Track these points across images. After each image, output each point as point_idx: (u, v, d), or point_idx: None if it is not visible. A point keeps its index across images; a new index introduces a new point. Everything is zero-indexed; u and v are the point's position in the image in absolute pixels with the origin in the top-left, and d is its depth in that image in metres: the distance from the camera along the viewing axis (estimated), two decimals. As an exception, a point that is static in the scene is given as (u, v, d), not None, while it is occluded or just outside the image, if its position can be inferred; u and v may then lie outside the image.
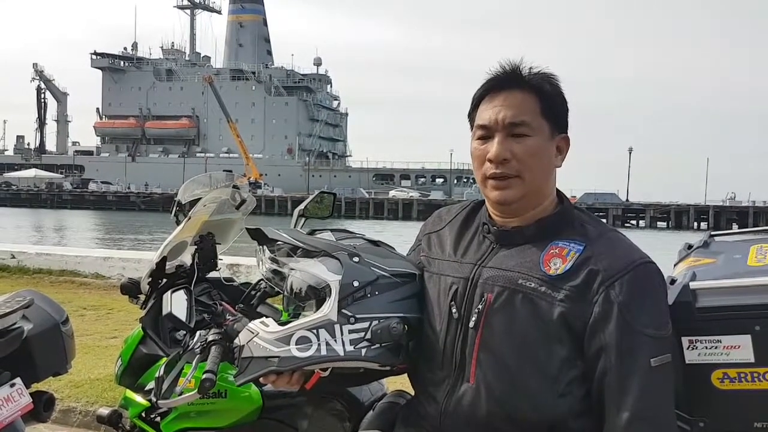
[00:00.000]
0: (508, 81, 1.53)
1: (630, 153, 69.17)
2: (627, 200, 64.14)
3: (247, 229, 1.71)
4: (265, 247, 1.62)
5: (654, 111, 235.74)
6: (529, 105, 1.50)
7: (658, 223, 58.48)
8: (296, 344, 1.47)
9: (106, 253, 10.42)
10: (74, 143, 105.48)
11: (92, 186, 76.99)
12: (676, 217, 57.73)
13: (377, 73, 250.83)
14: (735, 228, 1.93)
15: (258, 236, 1.63)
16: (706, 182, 71.78)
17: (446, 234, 1.67)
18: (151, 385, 2.01)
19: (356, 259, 1.53)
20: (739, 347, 1.47)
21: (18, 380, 2.48)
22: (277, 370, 1.49)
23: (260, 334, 1.52)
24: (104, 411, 2.31)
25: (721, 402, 1.51)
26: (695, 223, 56.03)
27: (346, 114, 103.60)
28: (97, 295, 7.79)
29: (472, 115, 1.58)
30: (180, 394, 1.81)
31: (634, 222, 59.61)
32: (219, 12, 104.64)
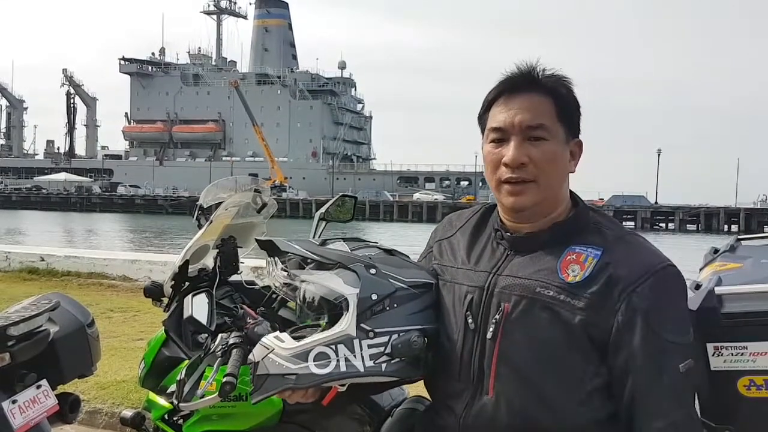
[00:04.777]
0: (523, 83, 1.49)
1: (659, 154, 68.29)
2: (656, 203, 63.21)
3: (257, 240, 1.67)
4: (276, 258, 1.58)
5: (684, 112, 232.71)
6: (545, 108, 1.47)
7: (688, 226, 57.52)
8: (314, 361, 1.44)
9: (133, 255, 10.56)
10: (103, 147, 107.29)
11: (121, 189, 77.97)
12: (706, 219, 56.78)
13: (402, 75, 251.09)
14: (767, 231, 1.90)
15: (269, 248, 1.58)
16: (737, 184, 70.52)
17: (458, 240, 1.63)
18: (173, 387, 2.02)
19: (373, 270, 1.49)
20: (766, 354, 1.44)
21: (44, 382, 2.52)
22: (294, 387, 1.46)
23: (276, 350, 1.47)
24: (127, 413, 2.33)
25: (747, 410, 1.48)
26: (726, 226, 55.03)
27: (370, 117, 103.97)
28: (125, 297, 7.89)
29: (483, 118, 1.54)
30: (201, 397, 1.81)
31: (663, 225, 58.72)
32: (245, 17, 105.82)
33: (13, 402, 2.39)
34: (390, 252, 1.63)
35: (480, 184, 74.05)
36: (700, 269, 1.72)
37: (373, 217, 59.70)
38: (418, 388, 1.90)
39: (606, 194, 63.24)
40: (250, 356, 1.54)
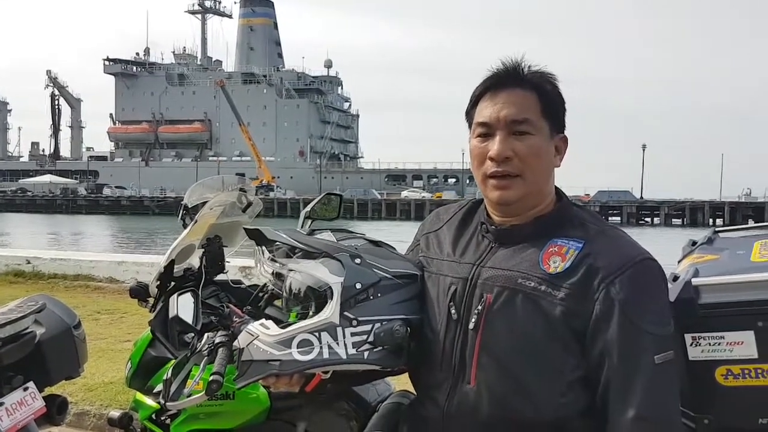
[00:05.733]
0: (508, 79, 1.51)
1: (644, 150, 68.65)
2: (641, 198, 63.59)
3: (245, 229, 1.69)
4: (263, 247, 1.61)
5: (668, 109, 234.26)
6: (530, 103, 1.49)
7: (673, 220, 57.91)
8: (298, 347, 1.46)
9: (119, 257, 10.51)
10: (88, 149, 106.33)
11: (106, 191, 77.40)
12: (691, 213, 57.16)
13: (387, 74, 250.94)
14: (751, 224, 1.93)
15: (256, 237, 1.61)
16: (721, 178, 70.90)
17: (445, 233, 1.65)
18: (160, 387, 2.03)
19: (358, 260, 1.51)
20: (743, 343, 1.47)
21: (31, 384, 2.52)
22: (278, 373, 1.48)
23: (260, 337, 1.50)
24: (115, 413, 2.34)
25: (726, 398, 1.50)
26: (710, 220, 55.38)
27: (357, 115, 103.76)
28: (111, 299, 7.85)
29: (470, 113, 1.56)
30: (188, 396, 1.82)
31: (648, 219, 59.09)
32: (230, 16, 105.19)
33: (0, 404, 2.38)
34: (376, 243, 1.65)
35: (468, 181, 74.23)
36: (679, 261, 1.74)
37: (361, 215, 59.69)
38: (406, 385, 1.93)
39: (592, 190, 63.67)
40: (235, 342, 1.56)
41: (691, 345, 1.51)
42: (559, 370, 1.40)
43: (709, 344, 1.50)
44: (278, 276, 1.58)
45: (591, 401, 1.41)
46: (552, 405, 1.40)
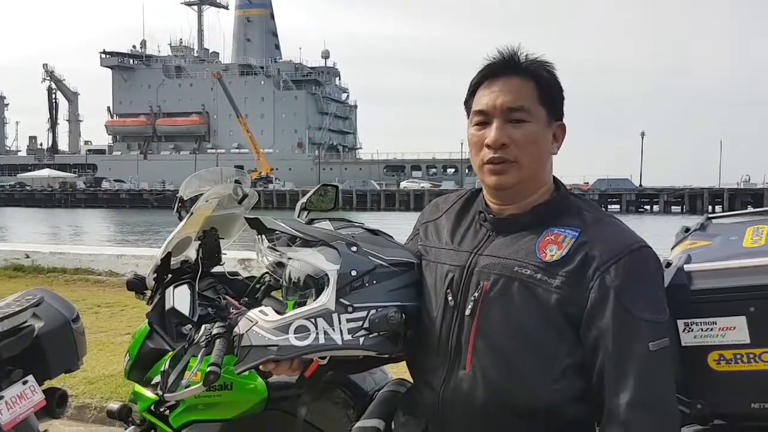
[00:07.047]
0: (505, 67, 1.52)
1: (642, 137, 68.55)
2: (640, 185, 63.60)
3: (245, 218, 1.71)
4: (263, 236, 1.63)
5: (667, 96, 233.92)
6: (526, 91, 1.50)
7: (672, 207, 57.98)
8: (295, 333, 1.49)
9: (119, 250, 10.53)
10: (86, 142, 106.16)
11: (105, 184, 77.42)
12: (690, 201, 57.24)
13: (385, 65, 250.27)
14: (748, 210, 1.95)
15: (256, 226, 1.63)
16: (720, 165, 70.67)
17: (443, 222, 1.67)
18: (158, 378, 2.04)
19: (354, 248, 1.53)
20: (735, 328, 1.48)
21: (30, 377, 2.54)
22: (275, 358, 1.50)
23: (259, 323, 1.53)
24: (114, 406, 2.35)
25: (718, 383, 1.51)
26: (710, 207, 55.42)
27: (355, 106, 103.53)
28: (111, 293, 7.88)
29: (468, 102, 1.58)
30: (186, 387, 1.83)
31: (647, 207, 59.17)
32: (226, 7, 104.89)
33: (0, 398, 2.40)
34: (374, 232, 1.66)
35: (467, 171, 74.13)
36: (672, 248, 1.75)
37: (360, 206, 59.73)
38: (403, 374, 1.94)
39: (591, 178, 63.72)
40: (235, 329, 1.59)
41: (684, 331, 1.52)
42: (554, 357, 1.41)
43: (702, 330, 1.50)
44: (278, 265, 1.60)
45: (585, 388, 1.42)
46: (546, 391, 1.41)
